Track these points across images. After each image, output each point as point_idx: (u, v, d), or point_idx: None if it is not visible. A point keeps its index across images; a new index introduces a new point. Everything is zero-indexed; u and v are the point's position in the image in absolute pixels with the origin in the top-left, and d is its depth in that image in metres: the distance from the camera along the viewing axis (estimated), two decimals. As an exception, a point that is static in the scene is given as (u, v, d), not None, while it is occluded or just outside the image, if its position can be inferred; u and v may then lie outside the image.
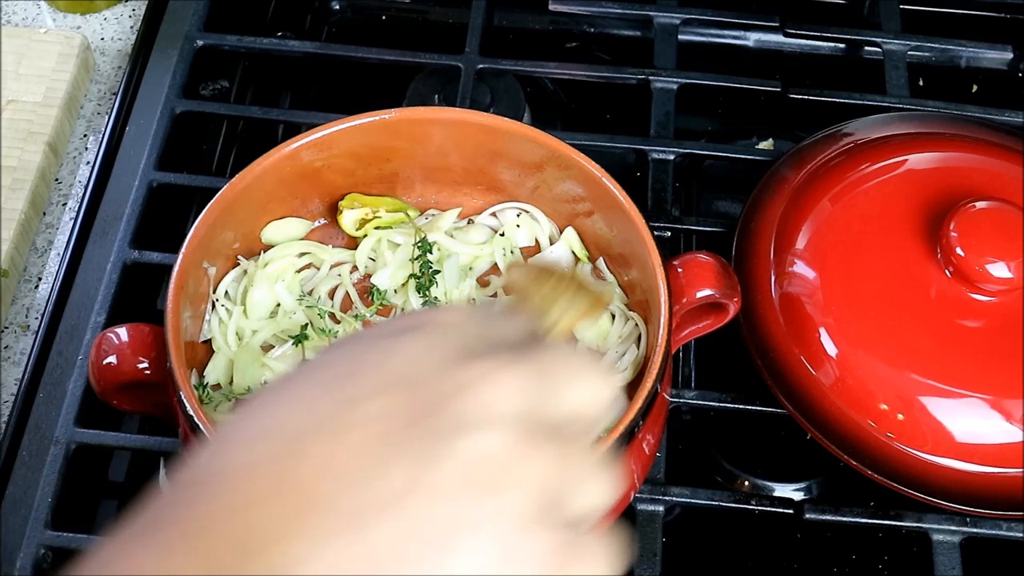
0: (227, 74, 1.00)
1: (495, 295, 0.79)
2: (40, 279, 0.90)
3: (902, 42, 0.99)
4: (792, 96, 0.95)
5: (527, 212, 0.82)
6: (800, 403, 0.77)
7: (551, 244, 0.81)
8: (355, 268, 0.81)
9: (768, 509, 0.77)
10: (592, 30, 1.07)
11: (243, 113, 0.96)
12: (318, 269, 0.80)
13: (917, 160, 0.84)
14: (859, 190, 0.82)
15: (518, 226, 0.81)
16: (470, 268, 0.80)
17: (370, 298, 0.79)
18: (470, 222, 0.82)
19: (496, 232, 0.82)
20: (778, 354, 0.78)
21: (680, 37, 0.99)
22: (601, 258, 0.81)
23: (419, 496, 0.41)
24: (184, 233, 0.72)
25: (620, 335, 0.77)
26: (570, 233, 0.81)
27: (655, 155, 0.91)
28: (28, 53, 0.97)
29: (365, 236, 0.81)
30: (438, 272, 0.79)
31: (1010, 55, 1.00)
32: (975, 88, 1.04)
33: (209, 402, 0.74)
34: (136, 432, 0.81)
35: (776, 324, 0.79)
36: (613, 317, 0.78)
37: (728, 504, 0.77)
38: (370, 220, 0.80)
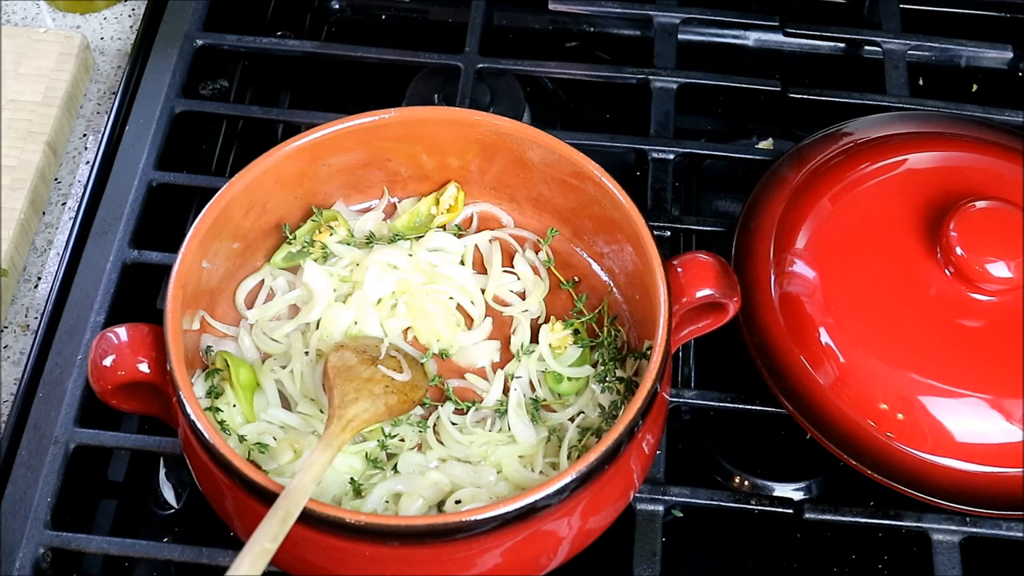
0: (227, 74, 1.00)
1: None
2: (40, 279, 0.90)
3: (902, 42, 0.99)
4: (792, 96, 0.95)
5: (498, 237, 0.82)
6: (800, 403, 0.77)
7: (521, 254, 0.81)
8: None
9: (768, 509, 0.77)
10: (592, 30, 1.07)
11: (243, 113, 0.96)
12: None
13: (917, 160, 0.84)
14: (859, 190, 0.82)
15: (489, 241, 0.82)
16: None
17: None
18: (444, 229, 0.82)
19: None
20: (778, 354, 0.78)
21: (680, 37, 0.99)
22: (598, 261, 0.81)
23: None
24: (184, 233, 0.72)
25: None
26: (532, 256, 0.81)
27: (655, 155, 0.91)
28: (28, 53, 0.97)
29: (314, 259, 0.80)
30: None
31: (1010, 55, 1.00)
32: (975, 88, 1.04)
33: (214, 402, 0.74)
34: (136, 432, 0.81)
35: (776, 324, 0.78)
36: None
37: (728, 504, 0.77)
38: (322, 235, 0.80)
